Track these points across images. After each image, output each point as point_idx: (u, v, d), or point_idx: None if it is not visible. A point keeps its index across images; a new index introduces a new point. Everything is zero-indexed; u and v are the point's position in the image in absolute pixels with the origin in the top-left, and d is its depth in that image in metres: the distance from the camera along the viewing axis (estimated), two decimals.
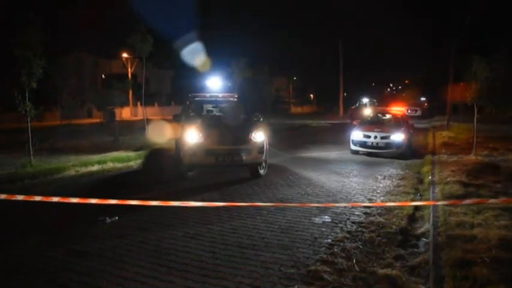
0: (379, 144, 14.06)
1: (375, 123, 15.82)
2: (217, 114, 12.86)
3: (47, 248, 5.56)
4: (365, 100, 39.94)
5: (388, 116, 16.86)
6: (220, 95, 13.09)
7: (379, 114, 17.27)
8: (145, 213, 7.11)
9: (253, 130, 10.44)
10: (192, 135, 9.89)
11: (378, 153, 14.15)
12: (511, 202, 6.06)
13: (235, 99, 12.98)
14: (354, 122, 16.94)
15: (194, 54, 38.66)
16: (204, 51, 38.00)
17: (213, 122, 11.20)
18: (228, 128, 10.64)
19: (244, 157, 9.96)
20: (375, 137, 14.14)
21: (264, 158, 10.49)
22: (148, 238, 5.89)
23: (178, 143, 10.83)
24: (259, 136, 10.35)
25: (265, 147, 10.48)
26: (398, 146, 13.88)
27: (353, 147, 14.68)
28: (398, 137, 13.98)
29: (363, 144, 14.39)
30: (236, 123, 11.10)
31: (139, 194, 8.62)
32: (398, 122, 15.64)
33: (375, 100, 42.21)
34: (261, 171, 10.57)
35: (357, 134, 14.60)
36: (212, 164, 10.04)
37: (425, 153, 14.54)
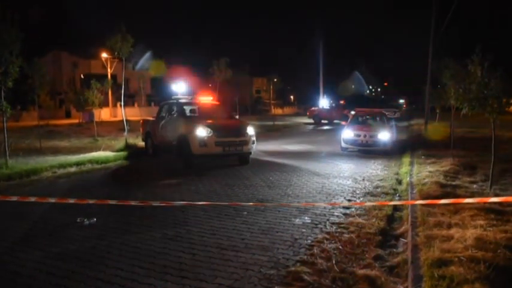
0: (368, 142, 15.47)
1: (363, 124, 17.28)
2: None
3: (23, 251, 5.45)
4: (325, 102, 41.64)
5: (375, 117, 18.34)
6: (199, 98, 14.93)
7: (367, 116, 18.58)
8: (124, 214, 7.04)
9: (246, 126, 12.95)
10: (203, 130, 11.75)
11: (367, 150, 15.37)
12: (487, 202, 6.17)
13: (212, 101, 15.26)
14: (343, 123, 17.78)
15: (147, 61, 40.62)
16: (153, 57, 39.99)
17: (214, 120, 12.87)
18: (227, 123, 13.05)
19: (243, 147, 12.31)
20: (364, 136, 15.55)
21: (254, 148, 12.99)
22: (127, 240, 5.83)
23: (183, 137, 12.15)
24: (251, 130, 12.78)
25: (255, 140, 12.90)
26: (385, 143, 15.27)
27: (344, 144, 15.97)
28: (385, 135, 15.37)
29: (353, 142, 15.73)
30: (230, 120, 13.69)
31: (118, 195, 8.55)
32: (384, 122, 17.24)
33: (342, 102, 43.26)
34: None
35: (348, 133, 15.91)
36: (220, 153, 12.11)
37: (406, 152, 15.13)
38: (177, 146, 12.60)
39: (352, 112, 37.44)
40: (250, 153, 12.89)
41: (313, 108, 42.20)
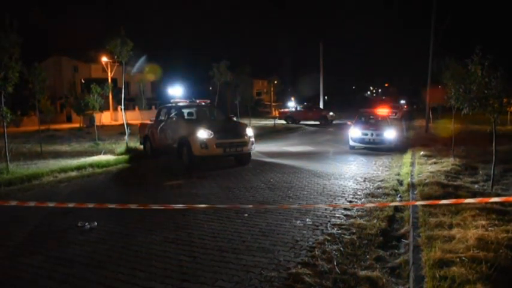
0: (375, 140, 16.47)
1: (369, 123, 18.16)
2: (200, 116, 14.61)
3: (23, 255, 5.45)
4: (293, 104, 42.39)
5: (381, 117, 19.21)
6: (197, 101, 15.15)
7: (371, 116, 19.44)
8: (125, 218, 7.04)
9: (244, 127, 13.31)
10: (204, 132, 11.94)
11: (373, 148, 16.47)
12: (488, 202, 6.15)
13: (210, 105, 15.54)
14: (349, 123, 19.00)
15: (143, 66, 41.23)
16: (149, 60, 40.80)
17: (214, 122, 13.44)
18: (227, 125, 13.36)
19: (243, 148, 12.57)
20: (371, 135, 16.54)
21: (253, 148, 13.28)
22: (128, 243, 5.83)
23: (184, 140, 12.34)
24: (249, 132, 13.12)
25: (253, 140, 13.19)
26: (390, 141, 16.29)
27: (352, 143, 17.01)
28: (390, 134, 16.38)
29: (361, 141, 16.75)
30: (229, 122, 14.01)
31: (119, 198, 8.55)
32: (388, 122, 18.06)
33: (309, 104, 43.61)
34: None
35: (355, 132, 16.93)
36: (221, 154, 12.35)
37: (407, 151, 15.41)
38: (177, 148, 12.69)
39: (331, 113, 38.28)
40: (250, 153, 13.18)
41: (284, 109, 42.25)
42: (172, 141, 13.12)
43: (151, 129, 14.84)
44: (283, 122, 38.19)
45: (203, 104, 15.08)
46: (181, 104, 14.75)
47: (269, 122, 36.55)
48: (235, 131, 12.97)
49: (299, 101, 52.15)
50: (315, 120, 37.67)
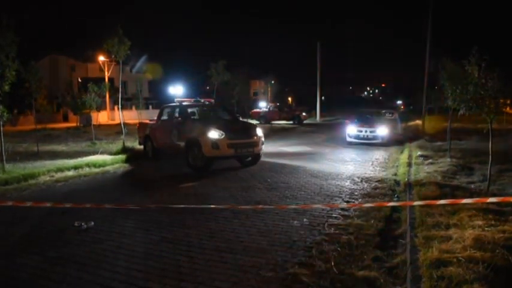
0: (369, 137, 18.29)
1: (365, 121, 19.52)
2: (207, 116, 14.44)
3: (20, 255, 5.43)
4: (264, 104, 43.71)
5: (376, 116, 20.99)
6: (202, 100, 14.93)
7: (367, 115, 21.08)
8: (122, 218, 7.01)
9: (254, 127, 13.18)
10: (215, 133, 11.70)
11: (367, 143, 18.04)
12: (485, 202, 6.17)
13: (214, 104, 15.35)
14: (346, 121, 20.50)
15: (144, 64, 41.37)
16: (149, 60, 41.00)
17: (224, 122, 13.24)
18: (236, 125, 13.24)
19: (254, 148, 12.39)
20: (366, 131, 18.37)
21: (263, 149, 13.13)
22: (125, 243, 5.81)
23: (194, 140, 12.01)
24: (259, 132, 12.88)
25: (263, 140, 13.05)
26: (383, 137, 18.05)
27: (348, 139, 18.85)
28: (383, 131, 18.18)
29: (356, 137, 18.59)
30: (239, 122, 14.06)
31: (116, 198, 8.53)
32: (382, 121, 19.74)
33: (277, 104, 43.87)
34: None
35: (352, 129, 18.86)
36: (232, 155, 12.10)
37: (404, 150, 15.84)
38: (186, 149, 12.32)
39: (304, 113, 38.93)
40: (260, 154, 12.94)
41: (256, 110, 42.17)
42: (178, 141, 12.75)
43: (153, 129, 14.56)
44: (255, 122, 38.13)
45: (207, 103, 14.82)
46: (186, 103, 14.42)
47: (266, 124, 36.55)
48: (246, 131, 12.75)
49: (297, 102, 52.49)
50: (287, 120, 37.87)
